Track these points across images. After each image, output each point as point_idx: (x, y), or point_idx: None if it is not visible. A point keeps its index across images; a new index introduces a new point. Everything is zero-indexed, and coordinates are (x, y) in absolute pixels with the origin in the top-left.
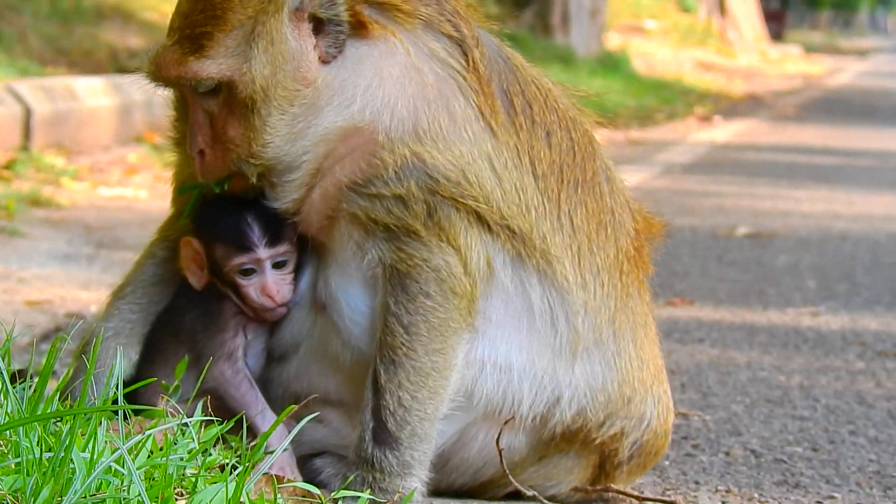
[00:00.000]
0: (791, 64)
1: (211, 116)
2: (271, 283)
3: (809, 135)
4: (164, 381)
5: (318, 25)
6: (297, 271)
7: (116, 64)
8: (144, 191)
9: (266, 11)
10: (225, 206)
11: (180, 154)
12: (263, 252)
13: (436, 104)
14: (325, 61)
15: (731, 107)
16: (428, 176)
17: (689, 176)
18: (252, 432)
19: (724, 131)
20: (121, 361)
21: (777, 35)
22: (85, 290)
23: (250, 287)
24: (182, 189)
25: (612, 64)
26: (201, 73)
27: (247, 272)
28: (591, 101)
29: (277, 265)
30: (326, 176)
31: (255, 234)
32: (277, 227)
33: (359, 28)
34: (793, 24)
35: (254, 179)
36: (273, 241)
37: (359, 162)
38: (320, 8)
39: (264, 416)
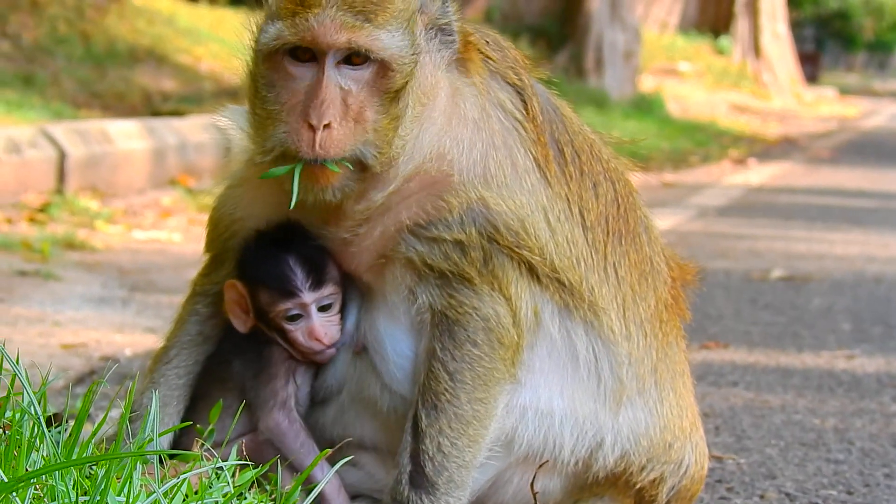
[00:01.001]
0: (826, 106)
1: (345, 94)
2: (318, 327)
3: (844, 177)
4: (199, 426)
5: (434, 34)
6: (343, 311)
7: (150, 107)
8: (178, 234)
9: (414, 7)
10: (266, 250)
11: (266, 122)
12: (308, 296)
13: (502, 152)
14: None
15: (766, 149)
16: (489, 223)
17: (723, 219)
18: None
19: (758, 174)
20: (156, 406)
21: (812, 77)
22: (119, 333)
23: (297, 332)
24: (270, 174)
25: (646, 106)
26: (372, 43)
27: (293, 317)
28: (627, 147)
29: (323, 308)
30: (390, 213)
31: (299, 278)
32: (321, 269)
33: (462, 52)
34: (827, 65)
35: (377, 168)
36: (317, 285)
37: (425, 203)
38: (436, 15)
39: (321, 467)
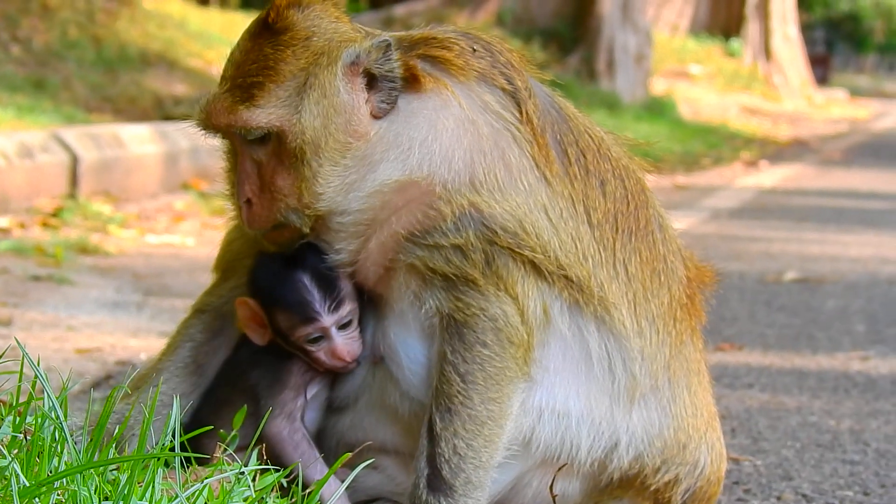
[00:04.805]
0: (837, 108)
1: (259, 166)
2: (340, 346)
3: (856, 179)
4: (221, 430)
5: (372, 81)
6: (361, 323)
7: (161, 111)
8: (192, 238)
9: (319, 64)
10: (280, 270)
11: (233, 206)
12: (328, 319)
13: (491, 156)
14: (376, 116)
15: (777, 152)
16: (485, 226)
17: (736, 221)
18: (306, 486)
19: (770, 176)
20: (177, 409)
21: (822, 79)
22: (134, 338)
23: (320, 352)
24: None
25: (657, 109)
26: (251, 122)
27: (315, 339)
28: (641, 149)
29: (343, 326)
30: (383, 227)
31: (317, 301)
32: (336, 288)
33: (412, 82)
34: (838, 68)
35: (305, 229)
36: (336, 306)
37: (416, 213)
38: (375, 64)
39: (315, 470)
